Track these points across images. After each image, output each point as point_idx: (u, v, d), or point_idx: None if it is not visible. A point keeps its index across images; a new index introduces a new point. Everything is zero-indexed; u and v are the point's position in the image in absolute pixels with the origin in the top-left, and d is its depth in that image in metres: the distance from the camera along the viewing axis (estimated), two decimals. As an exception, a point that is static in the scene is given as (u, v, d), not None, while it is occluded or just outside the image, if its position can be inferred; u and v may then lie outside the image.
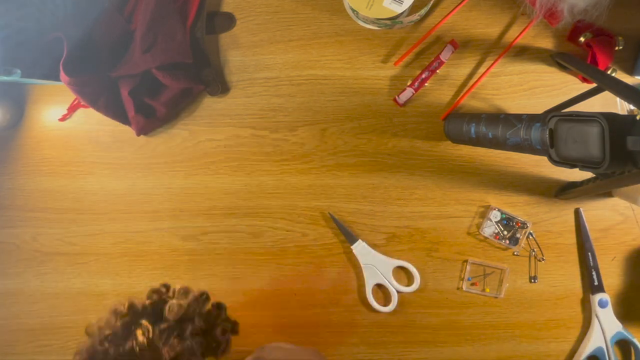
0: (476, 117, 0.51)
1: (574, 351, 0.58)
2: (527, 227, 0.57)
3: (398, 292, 0.58)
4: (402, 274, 0.59)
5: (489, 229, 0.58)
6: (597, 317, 0.57)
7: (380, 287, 0.59)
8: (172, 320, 0.41)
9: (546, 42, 0.57)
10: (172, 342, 0.39)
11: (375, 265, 0.58)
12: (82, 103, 0.58)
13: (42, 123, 0.61)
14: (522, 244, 0.58)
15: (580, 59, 0.54)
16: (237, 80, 0.59)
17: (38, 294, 0.61)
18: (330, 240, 0.59)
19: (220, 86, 0.59)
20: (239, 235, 0.60)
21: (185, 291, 0.44)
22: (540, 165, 0.58)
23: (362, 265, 0.58)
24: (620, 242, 0.58)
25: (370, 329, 0.59)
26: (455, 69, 0.58)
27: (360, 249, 0.58)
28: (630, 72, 0.56)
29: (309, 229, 0.59)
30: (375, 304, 0.58)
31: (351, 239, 0.58)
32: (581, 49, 0.56)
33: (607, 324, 0.56)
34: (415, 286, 0.58)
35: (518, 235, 0.58)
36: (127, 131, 0.59)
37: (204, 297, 0.45)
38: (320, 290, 0.59)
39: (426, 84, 0.58)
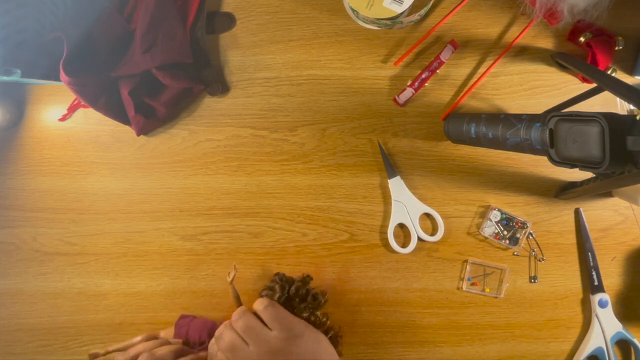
0: (476, 117, 0.51)
1: (574, 351, 0.58)
2: (527, 227, 0.57)
3: (419, 238, 0.58)
4: (428, 223, 0.59)
5: (489, 229, 0.58)
6: (597, 317, 0.57)
7: (402, 228, 0.59)
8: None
9: (546, 42, 0.57)
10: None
11: (405, 205, 0.57)
12: (82, 103, 0.58)
13: (42, 123, 0.61)
14: (522, 244, 0.58)
15: (580, 59, 0.54)
16: (237, 80, 0.59)
17: (38, 294, 0.61)
18: (330, 240, 0.59)
19: (220, 86, 0.59)
20: (239, 235, 0.60)
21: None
22: (540, 165, 0.58)
23: (392, 201, 0.58)
24: (620, 242, 0.58)
25: (370, 329, 0.59)
26: (455, 69, 0.58)
27: (396, 184, 0.58)
28: (630, 72, 0.56)
29: (309, 229, 0.59)
30: (394, 244, 0.58)
31: (391, 172, 0.58)
32: (581, 49, 0.56)
33: (607, 324, 0.56)
34: (437, 237, 0.58)
35: (518, 235, 0.58)
36: (127, 131, 0.59)
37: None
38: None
39: (426, 84, 0.58)
